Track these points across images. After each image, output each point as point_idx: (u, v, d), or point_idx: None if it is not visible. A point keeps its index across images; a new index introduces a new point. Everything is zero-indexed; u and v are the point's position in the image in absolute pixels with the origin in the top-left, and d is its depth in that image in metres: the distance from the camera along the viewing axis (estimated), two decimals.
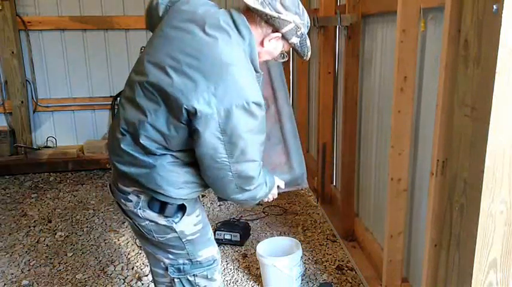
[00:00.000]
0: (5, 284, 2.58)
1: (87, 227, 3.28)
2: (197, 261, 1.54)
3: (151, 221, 1.46)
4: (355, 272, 2.60)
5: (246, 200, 1.50)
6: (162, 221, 1.45)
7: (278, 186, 1.66)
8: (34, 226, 3.30)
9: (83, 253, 2.92)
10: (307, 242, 2.98)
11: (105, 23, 4.60)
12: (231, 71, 1.28)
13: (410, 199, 2.10)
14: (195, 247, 1.53)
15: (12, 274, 2.69)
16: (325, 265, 2.70)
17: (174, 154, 1.39)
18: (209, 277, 1.57)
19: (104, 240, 3.08)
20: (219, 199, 1.65)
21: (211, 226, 3.12)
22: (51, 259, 2.85)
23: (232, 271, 2.68)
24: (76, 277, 2.65)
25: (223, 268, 2.69)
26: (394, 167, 1.98)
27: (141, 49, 4.61)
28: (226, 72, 1.28)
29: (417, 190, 2.08)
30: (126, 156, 1.41)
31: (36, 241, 3.08)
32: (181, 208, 1.47)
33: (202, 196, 3.73)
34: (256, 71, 1.40)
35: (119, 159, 1.43)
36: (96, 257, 2.86)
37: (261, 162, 1.44)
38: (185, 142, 1.35)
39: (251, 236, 3.05)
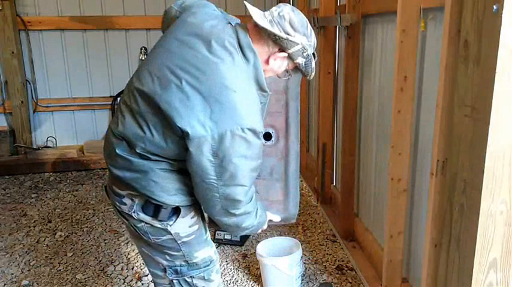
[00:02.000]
0: (5, 284, 2.58)
1: (87, 227, 3.28)
2: (194, 263, 1.53)
3: (146, 223, 1.46)
4: (355, 272, 2.60)
5: (231, 226, 1.47)
6: (156, 224, 1.45)
7: (270, 220, 1.69)
8: (34, 226, 3.30)
9: (83, 253, 2.92)
10: (307, 242, 2.98)
11: (105, 23, 4.59)
12: (230, 97, 1.26)
13: (411, 199, 2.10)
14: (191, 248, 1.52)
15: (12, 274, 2.69)
16: (325, 265, 2.70)
17: (169, 161, 1.38)
18: (206, 278, 1.56)
19: (104, 240, 3.08)
20: (210, 224, 1.61)
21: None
22: (51, 259, 2.85)
23: (232, 271, 2.68)
24: (76, 277, 2.65)
25: (223, 268, 2.69)
26: (394, 167, 1.98)
27: (141, 49, 4.65)
28: (225, 97, 1.26)
29: (417, 190, 2.08)
30: (120, 160, 1.40)
31: (36, 241, 3.08)
32: (176, 211, 1.46)
33: None
34: (264, 91, 1.38)
35: (113, 163, 1.43)
36: (96, 257, 2.86)
37: (253, 188, 1.42)
38: (182, 154, 1.33)
39: (251, 236, 3.04)
